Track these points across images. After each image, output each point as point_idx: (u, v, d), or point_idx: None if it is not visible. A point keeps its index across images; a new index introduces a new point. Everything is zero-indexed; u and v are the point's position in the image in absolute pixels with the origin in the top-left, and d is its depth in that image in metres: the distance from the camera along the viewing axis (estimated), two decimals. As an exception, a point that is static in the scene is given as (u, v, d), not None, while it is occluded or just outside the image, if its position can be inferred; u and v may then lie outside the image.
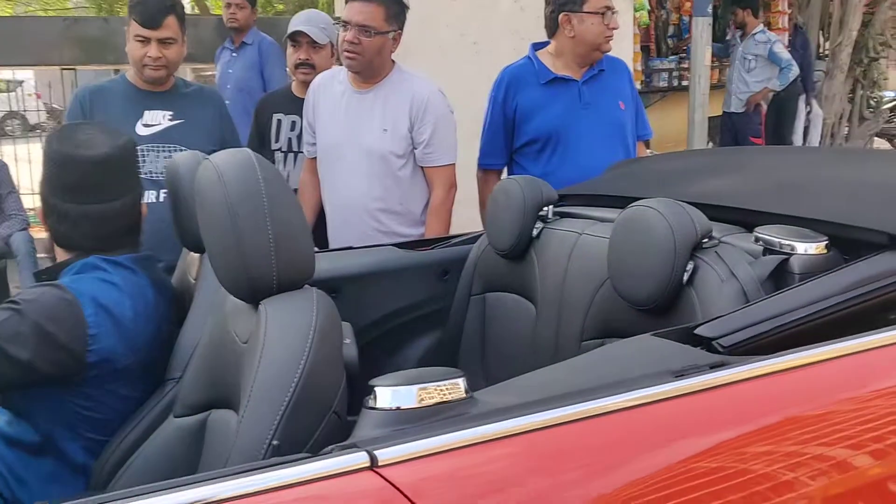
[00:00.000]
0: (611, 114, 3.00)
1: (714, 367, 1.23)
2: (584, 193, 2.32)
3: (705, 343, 1.33)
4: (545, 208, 2.18)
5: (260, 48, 4.58)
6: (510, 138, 3.03)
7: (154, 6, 2.77)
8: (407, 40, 2.92)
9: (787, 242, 1.58)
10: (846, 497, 1.23)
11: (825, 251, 1.57)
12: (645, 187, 2.14)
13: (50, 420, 1.68)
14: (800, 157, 2.56)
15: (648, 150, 4.32)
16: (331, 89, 2.93)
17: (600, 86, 3.00)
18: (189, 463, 1.51)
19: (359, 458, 0.99)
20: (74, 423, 1.69)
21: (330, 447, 1.03)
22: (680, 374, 1.19)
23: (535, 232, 2.15)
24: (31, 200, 6.09)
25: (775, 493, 1.15)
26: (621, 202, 1.88)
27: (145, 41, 2.78)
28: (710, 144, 6.91)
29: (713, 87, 6.42)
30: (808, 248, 1.57)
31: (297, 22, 3.28)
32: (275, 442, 1.10)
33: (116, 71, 8.96)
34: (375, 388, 1.09)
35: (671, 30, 8.99)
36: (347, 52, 2.76)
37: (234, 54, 4.69)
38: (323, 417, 1.17)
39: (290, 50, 3.32)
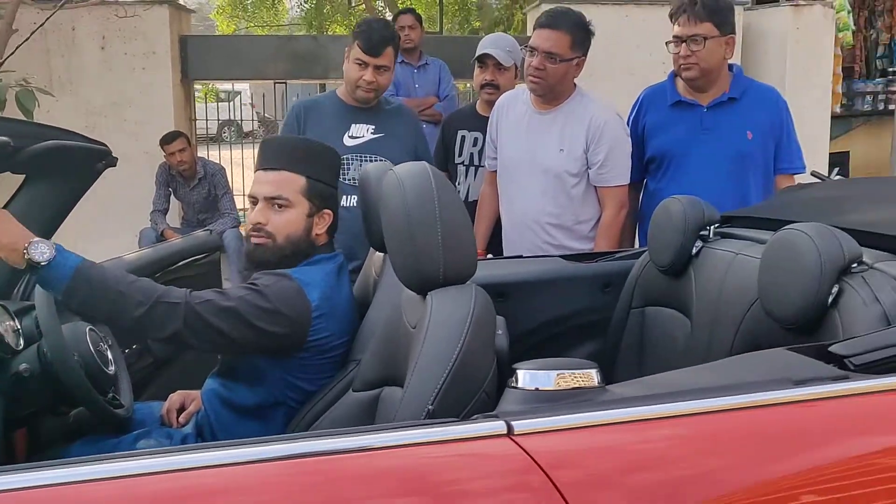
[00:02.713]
0: (733, 141, 2.98)
1: (836, 379, 1.31)
2: (749, 216, 2.37)
3: (837, 360, 1.40)
4: (707, 228, 2.26)
5: (440, 69, 4.95)
6: (642, 154, 3.13)
7: (378, 35, 3.03)
8: (594, 60, 3.04)
9: None
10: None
11: None
12: (806, 213, 2.17)
13: (271, 384, 1.99)
14: None
15: (838, 176, 4.20)
16: (514, 108, 3.13)
17: (727, 113, 2.99)
18: (363, 430, 1.75)
19: (497, 426, 1.17)
20: (286, 391, 2.00)
21: (475, 416, 1.22)
22: (800, 383, 1.28)
23: (694, 250, 2.23)
24: (242, 201, 6.72)
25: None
26: (781, 226, 1.94)
27: (363, 65, 3.04)
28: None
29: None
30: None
31: (485, 45, 3.51)
32: (430, 407, 1.30)
33: (322, 85, 9.63)
34: (518, 371, 1.27)
35: (881, 50, 8.59)
36: (532, 76, 2.94)
37: (415, 72, 5.03)
38: (474, 395, 1.35)
39: (476, 71, 3.55)
